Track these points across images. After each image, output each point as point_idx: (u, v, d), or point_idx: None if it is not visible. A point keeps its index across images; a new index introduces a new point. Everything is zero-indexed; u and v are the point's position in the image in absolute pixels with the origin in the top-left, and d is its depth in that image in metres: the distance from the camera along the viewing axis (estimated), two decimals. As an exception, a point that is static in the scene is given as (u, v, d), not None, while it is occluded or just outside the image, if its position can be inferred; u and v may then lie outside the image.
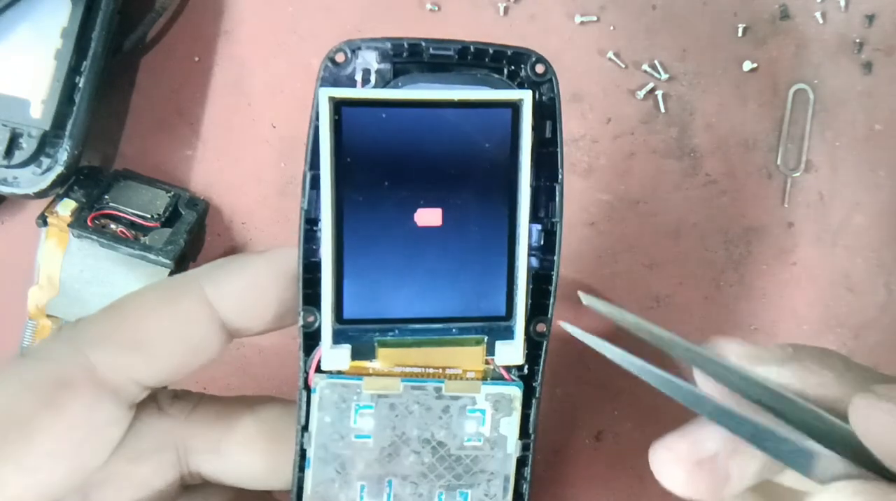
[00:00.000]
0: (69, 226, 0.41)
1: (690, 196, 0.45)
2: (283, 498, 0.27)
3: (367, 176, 0.24)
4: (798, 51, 0.45)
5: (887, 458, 0.20)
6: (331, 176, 0.24)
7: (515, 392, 0.26)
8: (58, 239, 0.42)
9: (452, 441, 0.26)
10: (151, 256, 0.41)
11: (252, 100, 0.45)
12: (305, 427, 0.26)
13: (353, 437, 0.26)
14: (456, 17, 0.45)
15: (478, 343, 0.26)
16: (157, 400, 0.27)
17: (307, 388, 0.25)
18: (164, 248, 0.41)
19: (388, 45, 0.25)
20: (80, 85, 0.40)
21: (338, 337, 0.25)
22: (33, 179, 0.40)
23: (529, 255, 0.25)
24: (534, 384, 0.26)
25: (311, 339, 0.25)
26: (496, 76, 0.25)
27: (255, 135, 0.45)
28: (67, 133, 0.40)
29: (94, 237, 0.41)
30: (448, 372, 0.26)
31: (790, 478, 0.24)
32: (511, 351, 0.26)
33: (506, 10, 0.45)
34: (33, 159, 0.40)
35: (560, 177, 0.25)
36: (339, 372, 0.25)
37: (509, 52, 0.25)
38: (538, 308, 0.26)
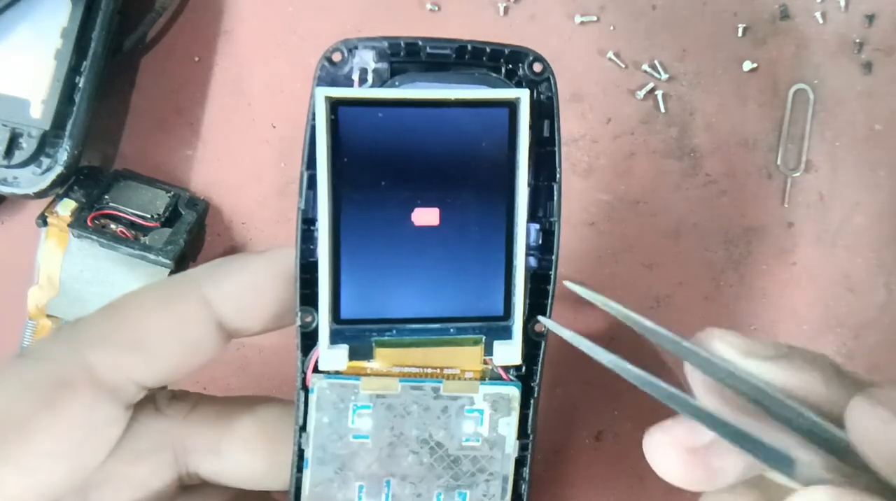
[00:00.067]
0: (69, 226, 0.41)
1: (690, 196, 0.45)
2: (282, 499, 0.27)
3: (365, 175, 0.24)
4: (798, 51, 0.44)
5: (881, 462, 0.20)
6: (328, 176, 0.24)
7: (514, 392, 0.26)
8: (58, 239, 0.42)
9: (451, 441, 0.26)
10: (151, 256, 0.41)
11: (252, 100, 0.45)
12: (303, 428, 0.26)
13: (352, 437, 0.26)
14: (456, 17, 0.45)
15: (476, 343, 0.26)
16: (155, 400, 0.27)
17: (305, 388, 0.25)
18: (164, 248, 0.41)
19: (386, 45, 0.25)
20: (80, 85, 0.40)
21: (335, 338, 0.25)
22: (33, 179, 0.40)
23: (528, 255, 0.25)
24: (532, 384, 0.26)
25: (308, 339, 0.25)
26: (494, 75, 0.25)
27: (255, 135, 0.45)
28: (67, 133, 0.40)
29: (94, 237, 0.41)
30: (446, 372, 0.26)
31: (780, 475, 0.24)
32: (509, 351, 0.26)
33: (506, 10, 0.45)
34: (33, 159, 0.40)
35: (558, 176, 0.25)
36: (337, 373, 0.25)
37: (507, 51, 0.25)
38: (537, 307, 0.26)
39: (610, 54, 0.44)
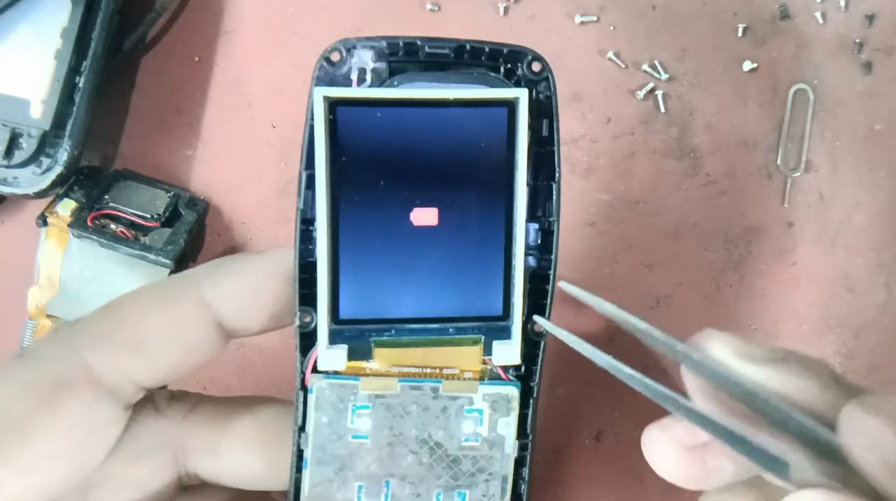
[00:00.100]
0: (69, 226, 0.41)
1: (690, 196, 0.45)
2: (281, 499, 0.27)
3: (364, 175, 0.24)
4: (798, 51, 0.44)
5: (871, 468, 0.20)
6: (326, 176, 0.24)
7: (513, 392, 0.26)
8: (58, 239, 0.42)
9: (450, 441, 0.26)
10: (151, 256, 0.41)
11: (252, 100, 0.45)
12: (302, 428, 0.26)
13: (351, 437, 0.26)
14: (456, 17, 0.45)
15: (475, 343, 0.26)
16: (154, 400, 0.27)
17: (304, 389, 0.25)
18: (164, 248, 0.41)
19: (384, 44, 0.25)
20: (80, 85, 0.40)
21: (334, 338, 0.25)
22: (33, 179, 0.40)
23: (527, 255, 0.25)
24: (531, 384, 0.26)
25: (307, 339, 0.25)
26: (493, 75, 0.25)
27: (255, 135, 0.45)
28: (67, 133, 0.40)
29: (94, 237, 0.41)
30: (445, 372, 0.26)
31: (774, 477, 0.24)
32: (508, 351, 0.26)
33: (506, 10, 0.44)
34: (33, 159, 0.40)
35: (557, 175, 0.25)
36: (336, 373, 0.25)
37: (505, 51, 0.25)
38: (536, 307, 0.26)
39: (610, 54, 0.44)
